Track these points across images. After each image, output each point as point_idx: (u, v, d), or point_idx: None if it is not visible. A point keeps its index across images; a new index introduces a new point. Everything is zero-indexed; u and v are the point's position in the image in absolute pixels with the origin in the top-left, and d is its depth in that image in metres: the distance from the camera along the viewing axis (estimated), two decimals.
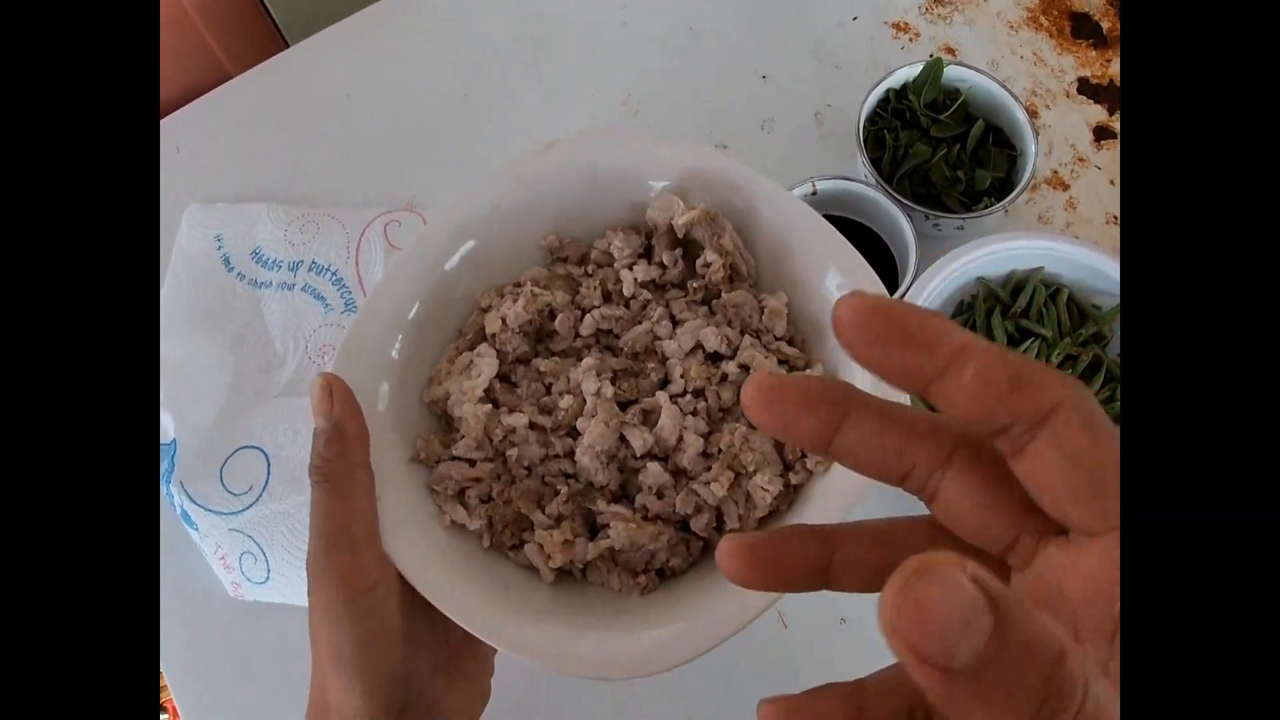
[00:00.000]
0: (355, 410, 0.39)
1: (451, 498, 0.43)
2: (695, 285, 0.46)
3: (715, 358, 0.44)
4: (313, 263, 0.77)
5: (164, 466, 0.69)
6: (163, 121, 0.86)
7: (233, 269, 0.78)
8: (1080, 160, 0.82)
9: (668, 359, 0.44)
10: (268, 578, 0.68)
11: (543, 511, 0.42)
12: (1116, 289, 0.71)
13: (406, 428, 0.44)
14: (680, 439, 0.41)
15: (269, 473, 0.70)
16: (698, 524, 0.41)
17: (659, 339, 0.45)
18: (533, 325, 0.45)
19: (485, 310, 0.46)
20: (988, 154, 0.77)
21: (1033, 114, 0.84)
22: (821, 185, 0.73)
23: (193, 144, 0.85)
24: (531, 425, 0.43)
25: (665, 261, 0.46)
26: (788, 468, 0.42)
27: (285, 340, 0.75)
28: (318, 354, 0.74)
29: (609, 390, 0.42)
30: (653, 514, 0.41)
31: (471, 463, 0.43)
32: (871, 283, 0.42)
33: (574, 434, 0.43)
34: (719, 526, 0.42)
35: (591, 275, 0.47)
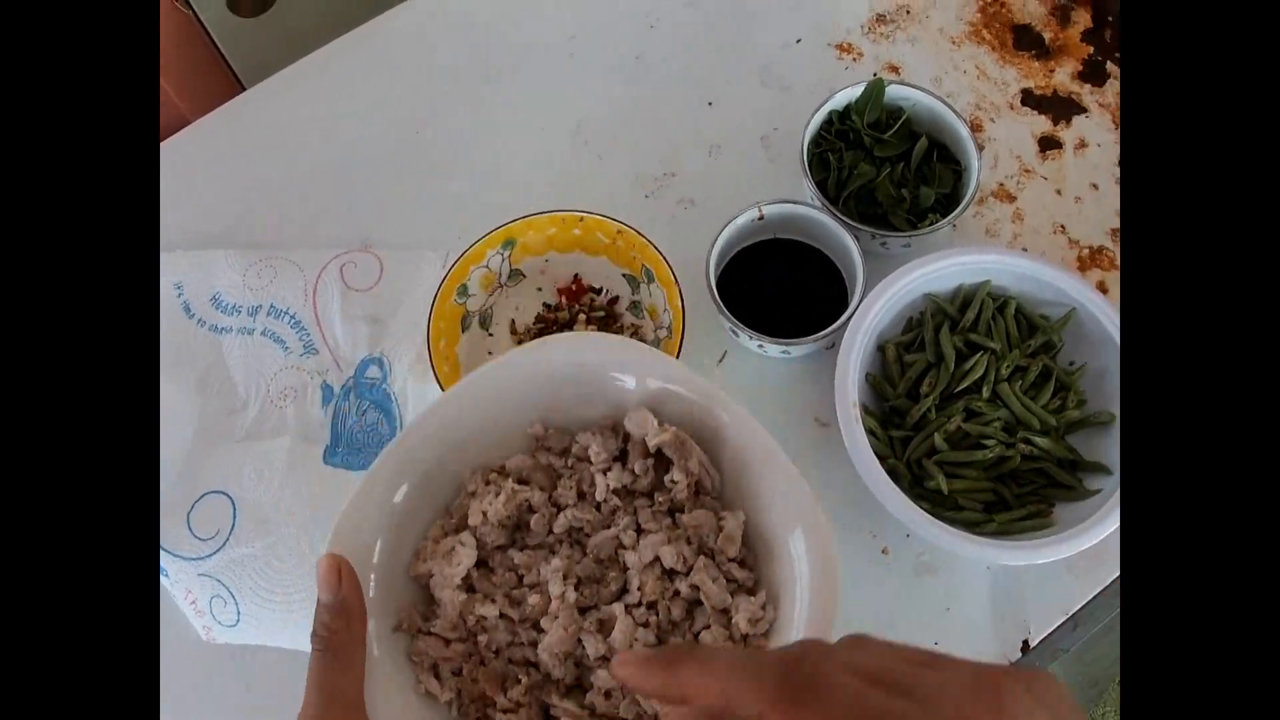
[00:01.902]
0: (359, 590, 0.44)
1: (427, 669, 0.47)
2: (661, 499, 0.50)
3: (671, 573, 0.49)
4: (271, 306, 0.78)
5: None
6: None
7: (193, 315, 0.79)
8: (1026, 171, 0.84)
9: (628, 569, 0.49)
10: (238, 620, 0.69)
11: (505, 695, 0.47)
12: (1063, 298, 0.72)
13: (392, 593, 0.49)
14: (630, 649, 0.46)
15: (235, 517, 0.71)
16: None
17: (623, 547, 0.49)
18: (510, 519, 0.50)
19: (472, 495, 0.50)
20: (932, 171, 0.78)
21: (977, 128, 0.85)
22: (768, 209, 0.74)
23: None
24: (501, 615, 0.48)
25: (637, 470, 0.50)
26: None
27: (247, 384, 0.76)
28: (279, 397, 0.75)
29: (572, 596, 0.47)
30: (600, 712, 0.46)
31: (447, 641, 0.48)
32: (810, 503, 0.46)
33: (538, 628, 0.48)
34: None
35: (571, 470, 0.51)
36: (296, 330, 0.77)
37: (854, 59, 0.88)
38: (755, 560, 0.49)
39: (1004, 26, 0.90)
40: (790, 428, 0.74)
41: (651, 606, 0.48)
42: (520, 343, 0.76)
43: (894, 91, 0.78)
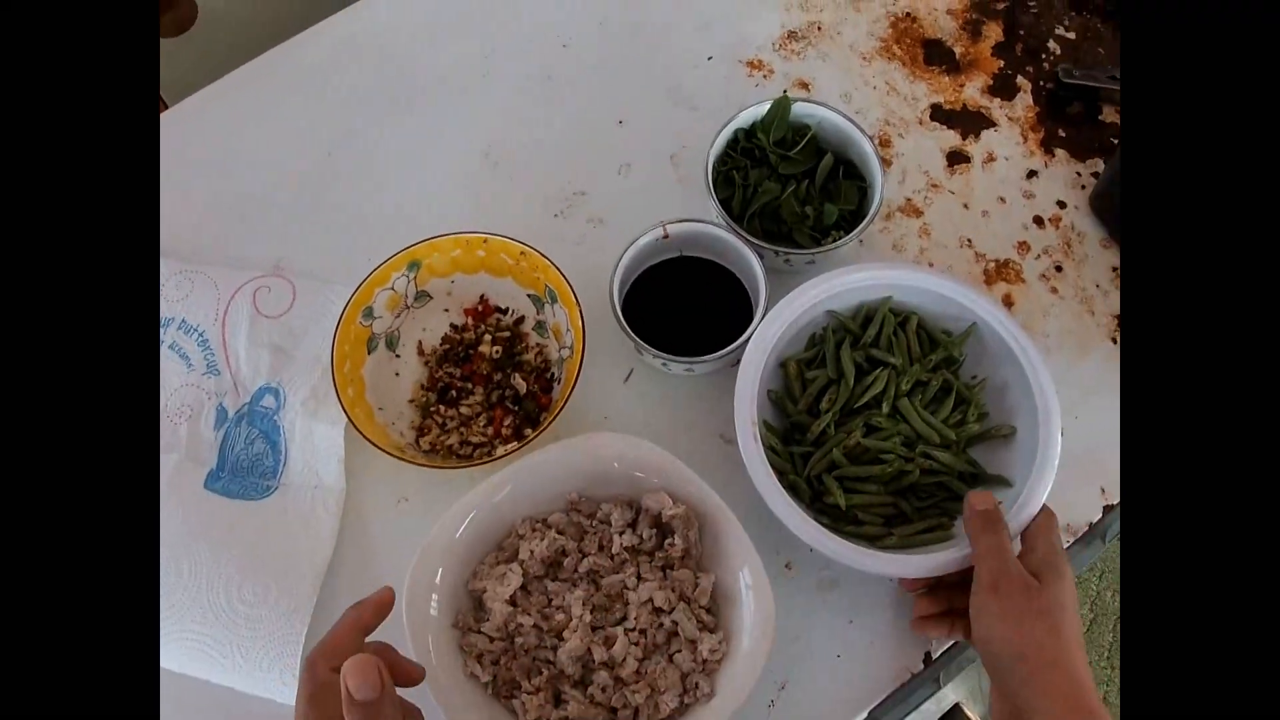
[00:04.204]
0: (391, 683, 0.51)
1: (474, 658, 0.66)
2: (660, 556, 0.69)
3: (659, 610, 0.68)
4: (183, 321, 0.78)
5: None
6: None
7: None
8: (934, 186, 0.85)
9: (629, 604, 0.68)
10: None
11: (529, 681, 0.65)
12: (965, 313, 0.73)
13: (452, 600, 0.68)
14: (624, 660, 0.66)
15: None
16: (623, 715, 0.65)
17: (627, 588, 0.68)
18: (549, 559, 0.69)
19: (521, 537, 0.69)
20: (838, 187, 0.79)
21: (885, 144, 0.86)
22: (673, 228, 0.75)
23: None
24: (534, 625, 0.67)
25: (644, 535, 0.69)
26: (685, 692, 0.65)
27: None
28: (175, 413, 0.75)
29: (588, 617, 0.66)
30: (596, 701, 0.65)
31: (491, 639, 0.67)
32: (752, 552, 0.66)
33: (559, 637, 0.67)
34: (634, 717, 0.65)
35: (594, 531, 0.70)
36: (203, 349, 0.77)
37: (765, 76, 0.89)
38: (718, 608, 0.69)
39: (915, 41, 0.91)
40: (695, 445, 0.75)
41: (643, 632, 0.67)
42: (428, 364, 0.77)
43: (800, 109, 0.79)
